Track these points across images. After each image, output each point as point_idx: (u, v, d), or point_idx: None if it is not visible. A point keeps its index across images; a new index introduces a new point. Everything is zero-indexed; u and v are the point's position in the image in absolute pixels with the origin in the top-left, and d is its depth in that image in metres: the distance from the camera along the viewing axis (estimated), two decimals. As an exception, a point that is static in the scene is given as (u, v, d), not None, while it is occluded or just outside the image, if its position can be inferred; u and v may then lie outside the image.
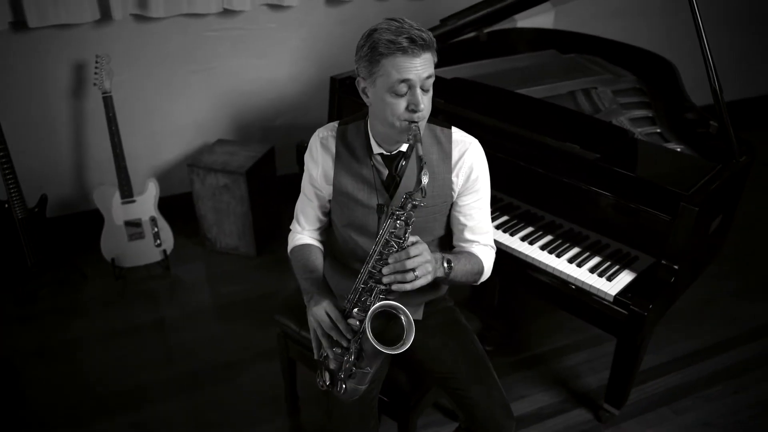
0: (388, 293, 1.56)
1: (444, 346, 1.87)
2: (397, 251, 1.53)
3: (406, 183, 1.70)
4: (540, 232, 2.20)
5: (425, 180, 1.47)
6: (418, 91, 1.54)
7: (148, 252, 3.16)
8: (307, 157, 1.82)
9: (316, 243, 1.93)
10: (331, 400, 1.83)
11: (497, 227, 2.23)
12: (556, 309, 2.92)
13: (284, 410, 2.44)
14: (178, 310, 3.00)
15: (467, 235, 1.79)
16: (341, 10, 3.38)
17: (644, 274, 2.00)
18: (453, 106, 2.45)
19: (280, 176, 3.45)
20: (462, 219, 1.78)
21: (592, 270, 2.03)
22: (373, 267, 1.57)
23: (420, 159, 1.50)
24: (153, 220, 3.10)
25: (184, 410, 2.47)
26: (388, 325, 1.57)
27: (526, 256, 2.11)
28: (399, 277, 1.50)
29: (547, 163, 2.17)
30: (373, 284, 1.57)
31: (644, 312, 1.85)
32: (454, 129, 1.76)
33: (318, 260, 1.88)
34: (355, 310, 1.60)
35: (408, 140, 1.57)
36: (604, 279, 1.98)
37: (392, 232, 1.54)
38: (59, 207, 3.26)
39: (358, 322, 1.59)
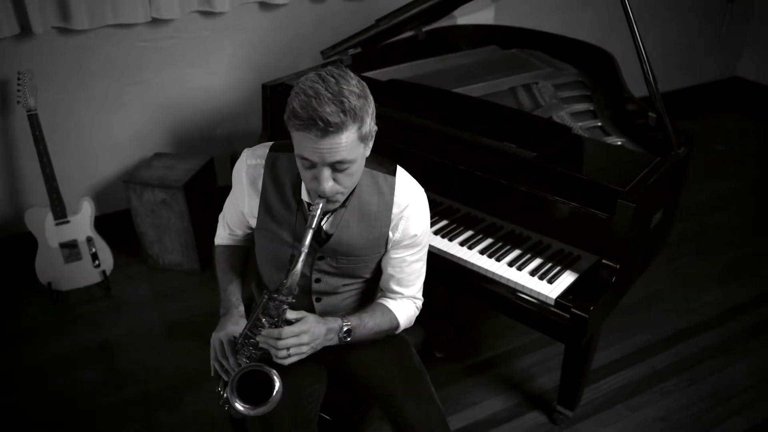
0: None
1: (379, 361, 1.79)
2: (270, 326, 1.50)
3: (339, 234, 1.61)
4: (480, 236, 2.13)
5: (295, 277, 1.44)
6: (324, 173, 1.39)
7: (86, 274, 3.03)
8: (234, 177, 1.70)
9: (242, 244, 1.87)
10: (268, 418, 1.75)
11: (436, 232, 2.16)
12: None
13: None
14: (122, 332, 2.88)
15: (392, 285, 1.73)
16: (276, 15, 3.28)
17: (586, 274, 1.95)
18: (387, 109, 2.37)
19: (222, 187, 3.34)
20: (390, 270, 1.71)
21: (532, 273, 1.97)
22: (251, 330, 1.54)
23: (300, 253, 1.43)
24: (90, 240, 2.97)
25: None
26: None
27: (465, 261, 2.04)
28: (272, 351, 1.48)
29: (484, 164, 2.10)
30: (254, 343, 1.54)
31: (585, 314, 1.79)
32: (398, 177, 1.62)
33: (238, 267, 1.82)
34: (239, 355, 1.59)
35: (310, 211, 1.46)
36: (544, 282, 1.92)
37: (265, 311, 1.50)
38: (-10, 231, 3.12)
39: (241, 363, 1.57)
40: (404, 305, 1.74)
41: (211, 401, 2.43)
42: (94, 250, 2.99)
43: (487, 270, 2.00)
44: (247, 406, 1.46)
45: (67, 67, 2.98)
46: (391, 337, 1.85)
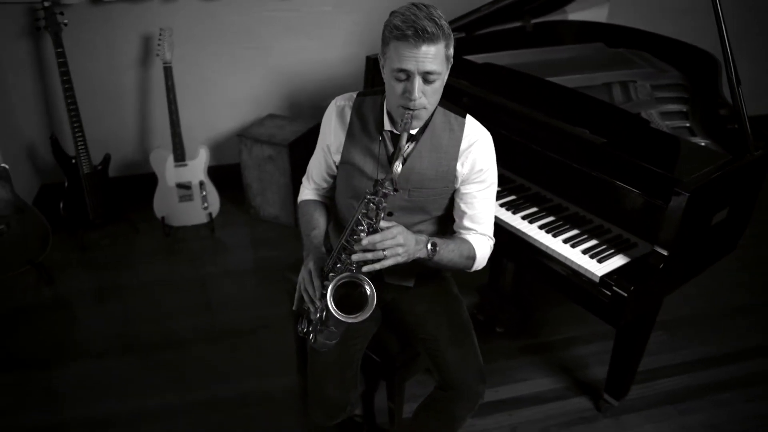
0: (359, 269, 1.62)
1: (430, 311, 1.94)
2: (369, 232, 1.59)
3: (412, 164, 1.76)
4: (543, 213, 2.22)
5: (397, 170, 1.55)
6: (417, 81, 1.56)
7: (195, 213, 3.40)
8: (323, 121, 1.91)
9: (323, 200, 2.04)
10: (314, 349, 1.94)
11: (502, 205, 2.27)
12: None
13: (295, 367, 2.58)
14: (218, 269, 3.22)
15: (466, 222, 1.84)
16: (394, -3, 3.49)
17: (638, 261, 1.99)
18: (477, 88, 2.51)
19: (324, 153, 3.60)
20: (463, 206, 1.83)
21: (585, 251, 2.03)
22: (347, 241, 1.65)
23: (399, 149, 1.57)
24: (202, 184, 3.32)
25: (208, 357, 2.67)
26: (357, 292, 1.63)
27: (523, 233, 2.14)
28: (369, 255, 1.58)
29: (558, 146, 2.19)
30: (346, 257, 1.65)
31: (624, 293, 1.85)
32: (468, 118, 1.80)
33: (321, 218, 1.98)
34: (332, 273, 1.68)
35: (399, 125, 1.63)
36: (594, 261, 1.99)
37: (364, 213, 1.60)
38: (121, 168, 3.56)
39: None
40: (479, 239, 1.85)
41: (283, 337, 2.70)
42: (204, 193, 3.34)
43: (541, 243, 2.09)
44: (341, 313, 1.57)
45: (202, 28, 3.34)
46: (445, 292, 2.00)
